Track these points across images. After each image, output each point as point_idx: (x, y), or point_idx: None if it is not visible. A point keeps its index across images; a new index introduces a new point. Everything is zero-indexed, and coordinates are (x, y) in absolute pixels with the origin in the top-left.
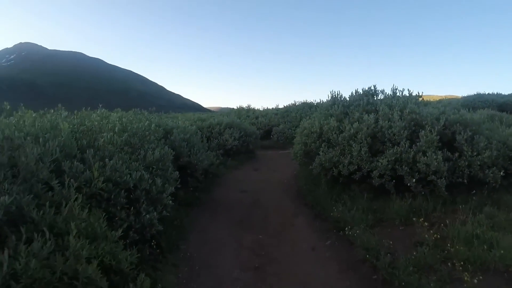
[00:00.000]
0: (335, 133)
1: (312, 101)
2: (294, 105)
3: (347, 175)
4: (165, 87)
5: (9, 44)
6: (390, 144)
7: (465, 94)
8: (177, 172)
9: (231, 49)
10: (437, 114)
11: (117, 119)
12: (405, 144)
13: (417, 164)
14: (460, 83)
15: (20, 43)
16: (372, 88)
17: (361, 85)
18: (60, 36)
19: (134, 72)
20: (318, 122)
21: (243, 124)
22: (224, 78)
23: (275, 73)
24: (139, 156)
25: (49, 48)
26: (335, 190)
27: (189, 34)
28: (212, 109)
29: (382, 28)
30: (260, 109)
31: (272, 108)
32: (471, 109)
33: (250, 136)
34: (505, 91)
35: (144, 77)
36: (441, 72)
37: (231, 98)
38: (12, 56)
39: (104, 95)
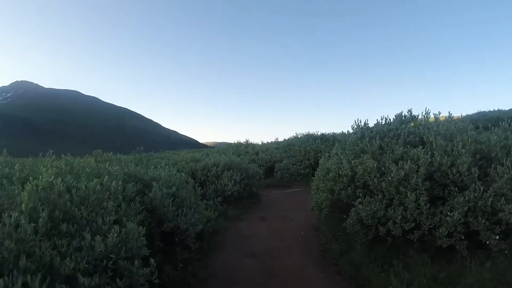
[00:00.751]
0: (374, 176)
1: (315, 132)
2: (296, 137)
3: (400, 235)
4: (161, 124)
5: (6, 82)
6: (456, 188)
7: (455, 113)
8: (153, 261)
9: (226, 83)
10: (500, 141)
11: (45, 178)
12: (478, 187)
13: (499, 214)
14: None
15: (17, 81)
16: (407, 113)
17: (356, 113)
18: (56, 74)
19: (129, 110)
20: (347, 161)
21: (243, 163)
22: (220, 113)
23: (273, 106)
24: (82, 244)
25: (45, 86)
26: (378, 252)
27: (184, 71)
28: (208, 145)
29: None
30: (259, 143)
31: (272, 141)
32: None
33: (253, 178)
34: (497, 107)
35: (139, 114)
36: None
37: (227, 133)
38: (8, 94)
39: (100, 132)
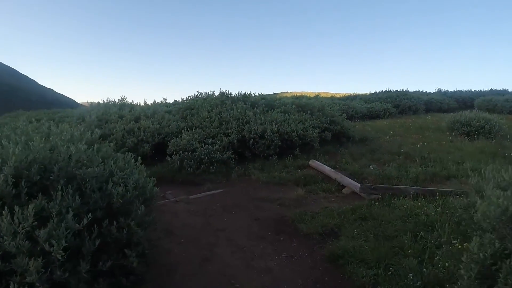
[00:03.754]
0: None
1: (230, 91)
2: (199, 97)
3: None
4: (37, 81)
5: None
6: None
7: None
8: None
9: (107, 35)
10: None
11: None
12: None
13: None
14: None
15: None
16: None
17: None
18: None
19: (3, 64)
20: None
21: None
22: (98, 70)
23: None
24: None
25: None
26: None
27: (58, 22)
28: (86, 105)
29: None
30: (142, 104)
31: (161, 102)
32: None
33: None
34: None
35: (14, 69)
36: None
37: (108, 92)
38: None
39: None
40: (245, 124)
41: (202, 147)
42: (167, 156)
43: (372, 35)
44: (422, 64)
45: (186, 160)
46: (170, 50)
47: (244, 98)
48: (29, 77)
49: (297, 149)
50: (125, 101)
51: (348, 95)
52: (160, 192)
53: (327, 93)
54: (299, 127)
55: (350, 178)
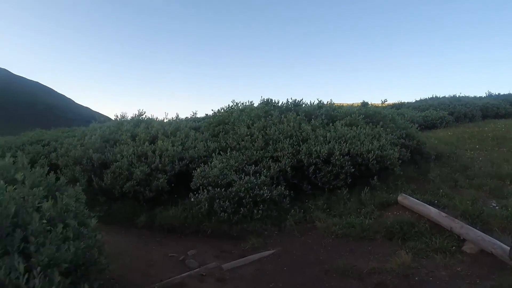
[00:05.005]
0: None
1: (277, 100)
2: (234, 108)
3: None
4: (74, 100)
5: None
6: None
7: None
8: None
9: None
10: None
11: None
12: None
13: None
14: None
15: None
16: None
17: None
18: None
19: (41, 84)
20: None
21: None
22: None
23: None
24: None
25: None
26: None
27: (97, 43)
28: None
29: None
30: (160, 119)
31: (189, 117)
32: None
33: None
34: None
35: (51, 88)
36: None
37: (148, 109)
38: None
39: (11, 109)
40: (301, 143)
41: (241, 179)
42: (193, 193)
43: (398, 43)
44: (454, 67)
45: (218, 200)
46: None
47: (295, 107)
48: (66, 96)
49: (375, 178)
50: (143, 116)
51: (393, 104)
52: (178, 251)
53: (358, 103)
54: (375, 145)
55: (470, 226)
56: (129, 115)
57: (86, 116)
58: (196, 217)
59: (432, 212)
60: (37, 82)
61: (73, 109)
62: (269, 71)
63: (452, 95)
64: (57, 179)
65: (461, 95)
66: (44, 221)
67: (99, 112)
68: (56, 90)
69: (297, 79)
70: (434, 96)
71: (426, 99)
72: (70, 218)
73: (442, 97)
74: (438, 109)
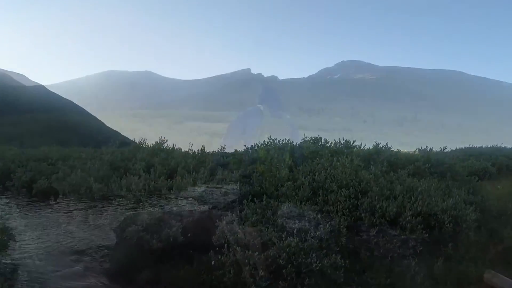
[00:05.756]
0: None
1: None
2: (268, 144)
3: None
4: (104, 122)
5: None
6: None
7: None
8: None
9: None
10: None
11: None
12: None
13: None
14: None
15: None
16: None
17: None
18: None
19: (73, 103)
20: None
21: None
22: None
23: None
24: None
25: None
26: None
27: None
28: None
29: None
30: (185, 150)
31: (214, 151)
32: None
33: None
34: None
35: (83, 109)
36: None
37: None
38: None
39: (44, 123)
40: (360, 195)
41: (280, 240)
42: (211, 251)
43: None
44: None
45: (248, 267)
46: None
47: (347, 149)
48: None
49: (449, 245)
50: (165, 144)
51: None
52: None
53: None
54: (449, 203)
55: None
56: (151, 142)
57: (115, 140)
58: (216, 286)
59: None
60: (70, 101)
61: (103, 132)
62: None
63: (491, 146)
64: None
65: (502, 146)
66: None
67: (127, 137)
68: (88, 110)
69: None
70: (471, 146)
71: (462, 148)
72: None
73: (479, 147)
74: (481, 160)
